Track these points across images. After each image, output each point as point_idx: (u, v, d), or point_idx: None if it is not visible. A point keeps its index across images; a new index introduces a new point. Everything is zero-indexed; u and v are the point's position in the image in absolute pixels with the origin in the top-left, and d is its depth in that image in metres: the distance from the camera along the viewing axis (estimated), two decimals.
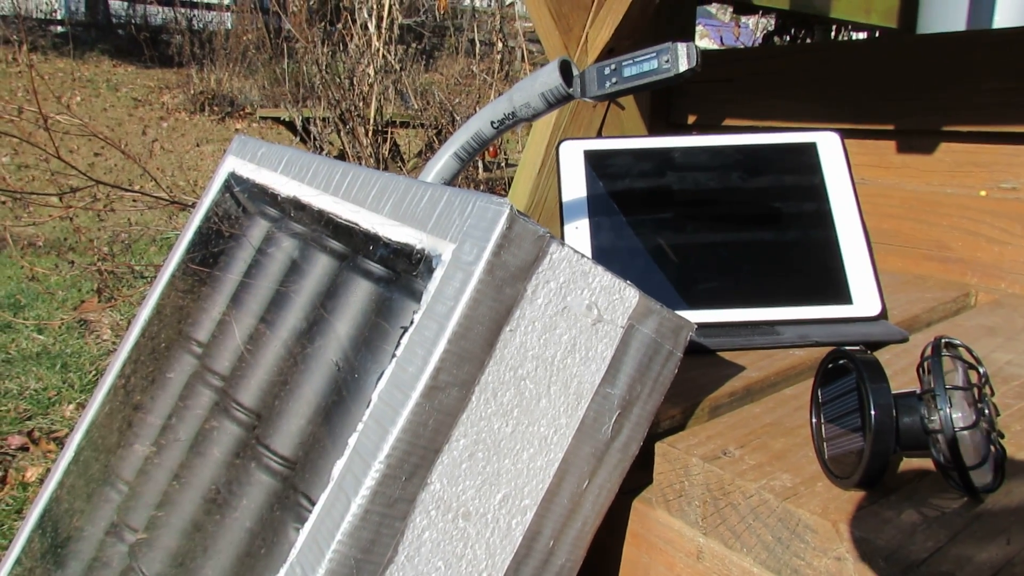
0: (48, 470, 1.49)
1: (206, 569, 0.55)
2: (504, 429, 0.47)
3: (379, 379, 0.47)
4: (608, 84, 0.61)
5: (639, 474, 0.57)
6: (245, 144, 0.90)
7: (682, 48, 0.58)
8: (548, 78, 0.64)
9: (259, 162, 0.83)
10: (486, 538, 0.48)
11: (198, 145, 5.57)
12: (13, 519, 1.35)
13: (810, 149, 0.80)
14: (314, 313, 0.63)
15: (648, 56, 0.60)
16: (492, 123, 0.67)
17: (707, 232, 0.78)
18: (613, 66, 0.62)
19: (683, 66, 0.58)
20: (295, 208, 0.72)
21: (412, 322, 0.47)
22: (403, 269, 0.53)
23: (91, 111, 5.96)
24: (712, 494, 0.51)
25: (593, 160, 0.84)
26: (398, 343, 0.47)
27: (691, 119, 1.26)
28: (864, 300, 0.74)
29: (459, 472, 0.46)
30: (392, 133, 2.94)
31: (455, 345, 0.44)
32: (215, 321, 0.76)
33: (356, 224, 0.60)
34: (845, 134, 0.83)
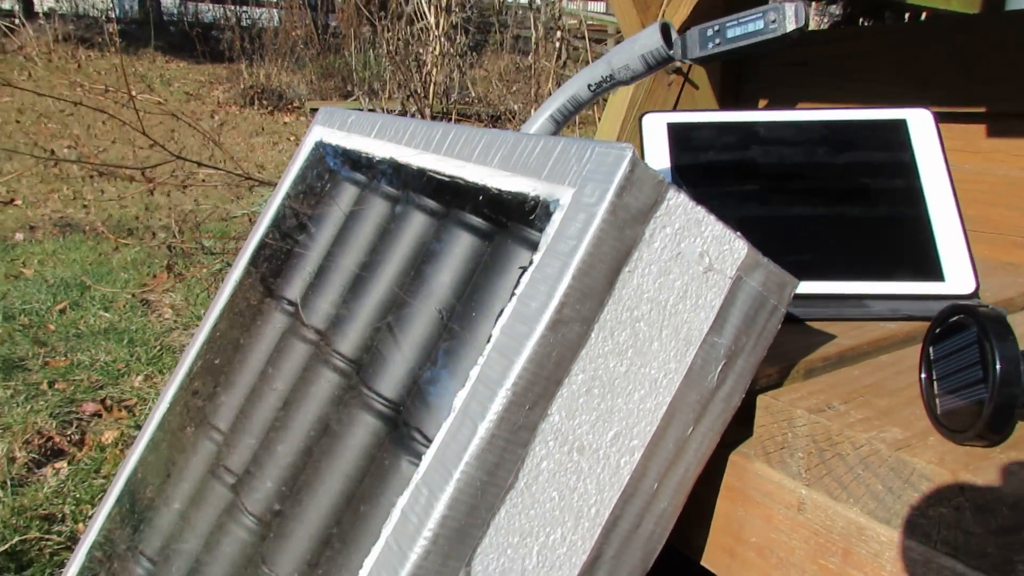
0: (122, 435, 1.54)
1: (315, 501, 0.57)
2: (619, 368, 0.48)
3: (499, 317, 0.48)
4: (711, 45, 0.62)
5: (736, 429, 0.58)
6: (332, 114, 0.92)
7: (789, 8, 0.59)
8: (649, 40, 0.65)
9: (349, 129, 0.85)
10: (597, 473, 0.49)
11: (251, 137, 5.66)
12: (93, 477, 1.39)
13: (900, 126, 0.80)
14: (414, 267, 0.64)
15: (753, 16, 0.60)
16: (589, 86, 0.68)
17: (793, 205, 0.79)
18: (716, 27, 0.63)
19: (791, 26, 0.58)
20: (391, 170, 0.73)
21: (532, 262, 0.48)
22: (514, 218, 0.54)
23: (145, 105, 6.09)
24: (818, 445, 0.52)
25: (677, 133, 0.85)
26: (517, 282, 0.48)
27: (761, 103, 1.26)
28: (957, 277, 0.74)
29: (576, 406, 0.47)
30: (452, 122, 2.96)
31: (579, 281, 0.45)
32: (306, 282, 0.78)
33: (461, 179, 0.61)
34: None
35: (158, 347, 2.05)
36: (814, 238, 0.77)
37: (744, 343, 0.53)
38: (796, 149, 0.81)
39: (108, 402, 1.69)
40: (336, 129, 0.89)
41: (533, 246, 0.51)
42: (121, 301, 2.41)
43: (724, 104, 1.26)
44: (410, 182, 0.70)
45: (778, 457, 0.55)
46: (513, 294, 0.48)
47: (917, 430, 0.50)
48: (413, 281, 0.62)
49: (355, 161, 0.81)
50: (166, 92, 6.54)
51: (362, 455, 0.57)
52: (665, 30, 0.65)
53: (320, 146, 0.91)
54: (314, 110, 5.43)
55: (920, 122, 0.81)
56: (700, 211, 0.50)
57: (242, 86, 6.50)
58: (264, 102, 6.42)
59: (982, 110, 0.99)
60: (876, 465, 0.48)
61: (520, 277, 0.49)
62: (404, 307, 0.61)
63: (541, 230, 0.50)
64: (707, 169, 0.83)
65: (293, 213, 0.88)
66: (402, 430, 0.53)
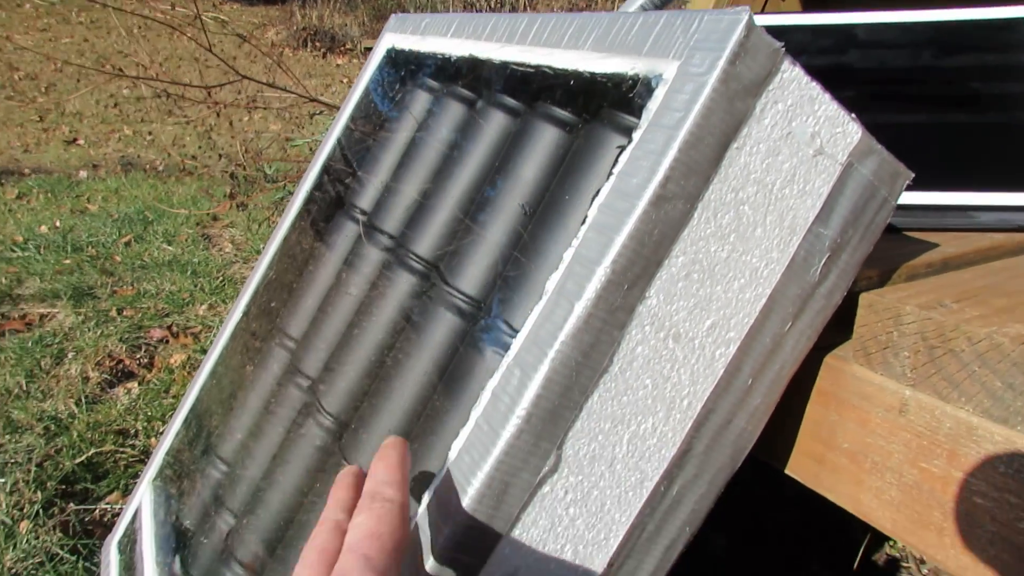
0: (189, 359, 1.57)
1: (393, 397, 0.56)
2: (720, 253, 0.46)
3: (594, 197, 0.46)
4: None
5: (832, 332, 0.55)
6: (404, 20, 0.90)
7: None
8: None
9: (424, 32, 0.83)
10: (691, 364, 0.47)
11: (303, 79, 5.67)
12: (163, 397, 1.42)
13: (1019, 25, 0.75)
14: (492, 167, 0.62)
15: None
16: None
17: (895, 112, 0.74)
18: None
19: None
20: (470, 68, 0.71)
21: (631, 140, 0.46)
22: (609, 102, 0.51)
23: (211, 26, 6.13)
24: (928, 343, 0.49)
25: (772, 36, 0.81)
26: (615, 161, 0.46)
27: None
28: None
29: (675, 290, 0.45)
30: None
31: (685, 155, 0.42)
32: (378, 189, 0.77)
33: (548, 67, 0.59)
34: None
35: (220, 279, 2.08)
36: (918, 147, 0.73)
37: (850, 236, 0.50)
38: (900, 52, 0.77)
39: (175, 328, 1.72)
40: (409, 34, 0.86)
41: (629, 132, 0.48)
42: (183, 235, 2.45)
43: (809, 7, 1.20)
44: (492, 79, 0.67)
45: (880, 358, 0.52)
46: (611, 174, 0.46)
47: None
48: (494, 179, 0.60)
49: (430, 64, 0.79)
50: (220, 34, 6.57)
51: (445, 350, 0.55)
52: None
53: (392, 52, 0.88)
54: (368, 49, 5.40)
55: None
56: (815, 88, 0.46)
57: (295, 28, 6.49)
58: (317, 44, 6.41)
59: None
60: (995, 361, 0.45)
61: (618, 157, 0.46)
62: (484, 206, 0.59)
63: (639, 113, 0.47)
64: (810, 73, 0.79)
65: (364, 122, 0.86)
66: (487, 322, 0.51)
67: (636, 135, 0.45)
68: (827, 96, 0.47)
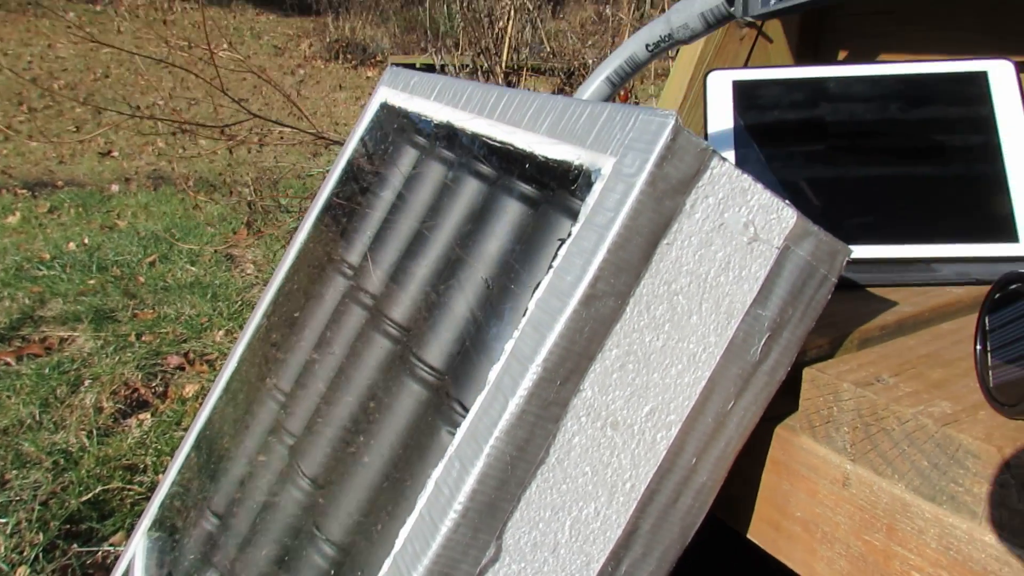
0: (202, 388, 1.61)
1: (363, 467, 0.59)
2: (655, 343, 0.48)
3: (535, 289, 0.48)
4: (773, 1, 0.60)
5: (783, 401, 0.57)
6: (397, 75, 0.93)
7: None
8: None
9: (412, 91, 0.85)
10: (632, 449, 0.49)
11: (332, 92, 5.74)
12: (174, 430, 1.47)
13: (980, 78, 0.75)
14: (465, 234, 0.64)
15: None
16: (647, 46, 0.66)
17: (861, 165, 0.76)
18: None
19: None
20: (448, 134, 0.73)
21: (570, 234, 0.48)
22: (559, 187, 0.54)
23: (226, 63, 6.24)
24: (863, 419, 0.50)
25: (742, 91, 0.82)
26: (555, 254, 0.48)
27: (842, 55, 1.21)
28: None
29: (610, 381, 0.47)
30: (524, 79, 2.95)
31: (614, 255, 0.44)
32: (366, 245, 0.80)
33: (511, 145, 0.61)
34: (1021, 68, 0.77)
35: (239, 302, 2.13)
36: (882, 199, 0.74)
37: (790, 315, 0.52)
38: (867, 105, 0.78)
39: (191, 355, 1.77)
40: (400, 90, 0.89)
41: (575, 216, 0.50)
42: (207, 255, 2.51)
43: (801, 58, 1.21)
44: (465, 147, 0.70)
45: (823, 431, 0.53)
46: (551, 266, 0.48)
47: (967, 404, 0.48)
48: (464, 249, 0.63)
49: (416, 124, 0.82)
50: (256, 45, 6.67)
51: (407, 424, 0.58)
52: None
53: (384, 108, 0.91)
54: (396, 64, 5.47)
55: (1002, 74, 0.76)
56: (746, 179, 0.48)
57: (328, 40, 6.59)
58: (349, 56, 6.49)
59: None
60: (922, 440, 0.47)
61: (558, 249, 0.48)
62: (453, 277, 0.62)
63: (583, 200, 0.49)
64: (773, 128, 0.80)
65: (356, 176, 0.89)
66: (444, 400, 0.54)
67: (575, 229, 0.48)
68: (759, 186, 0.48)
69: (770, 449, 0.58)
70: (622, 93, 2.61)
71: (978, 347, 0.49)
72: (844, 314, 0.62)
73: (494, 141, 0.64)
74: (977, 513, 0.45)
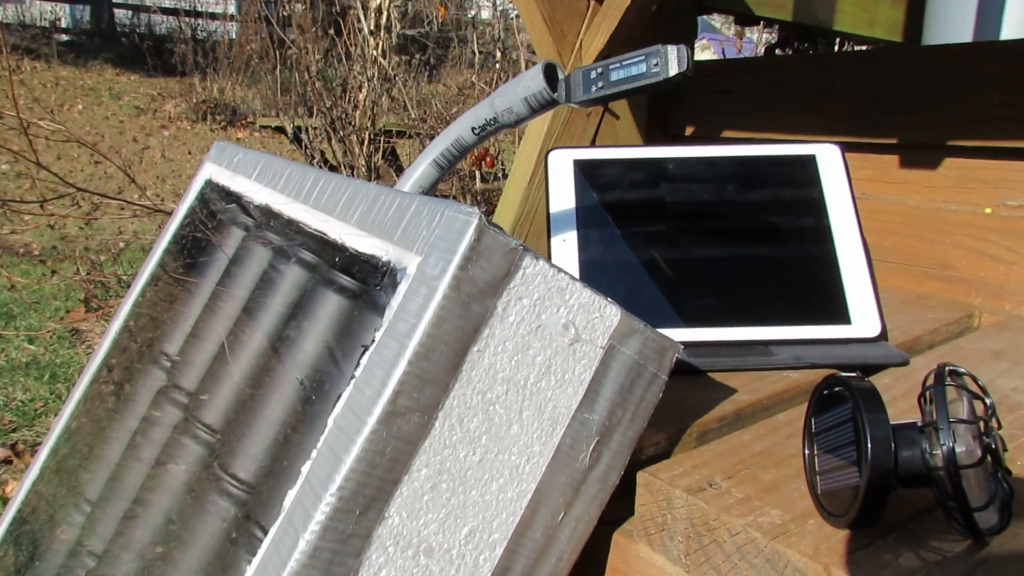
0: None
1: None
2: (471, 458, 0.43)
3: (336, 402, 0.44)
4: (594, 88, 0.58)
5: (621, 504, 0.54)
6: (223, 150, 0.87)
7: (672, 51, 0.55)
8: (531, 82, 0.61)
9: (235, 169, 0.80)
10: (451, 575, 0.44)
11: (201, 153, 5.55)
12: None
13: (809, 162, 0.77)
14: (282, 328, 0.59)
15: (636, 59, 0.56)
16: (473, 129, 0.64)
17: (700, 247, 0.75)
18: (600, 70, 0.59)
19: (673, 70, 0.55)
20: (268, 216, 0.68)
21: (373, 340, 0.43)
22: (370, 282, 0.49)
23: (92, 119, 5.96)
24: (696, 529, 0.48)
25: (583, 170, 0.81)
26: (358, 363, 0.44)
27: (689, 130, 1.23)
28: (863, 320, 0.70)
29: (420, 505, 0.42)
30: (392, 143, 2.92)
31: (416, 367, 0.40)
32: (185, 334, 0.73)
33: (324, 234, 0.57)
34: (847, 147, 0.79)
35: None
36: (720, 280, 0.73)
37: (620, 417, 0.49)
38: (704, 187, 0.78)
39: (20, 447, 1.60)
40: (224, 167, 0.83)
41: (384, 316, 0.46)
42: (49, 331, 2.32)
43: (652, 132, 1.22)
44: (283, 232, 0.65)
45: (659, 539, 0.50)
46: (352, 376, 0.43)
47: (798, 511, 0.46)
48: (279, 346, 0.57)
49: (240, 203, 0.76)
50: (115, 106, 6.39)
51: (210, 547, 0.51)
52: (550, 71, 0.61)
53: (208, 185, 0.85)
54: (264, 127, 5.35)
55: (829, 158, 0.77)
56: (563, 278, 0.45)
57: (195, 100, 6.39)
58: (217, 117, 6.31)
59: (895, 141, 0.96)
60: (752, 555, 0.44)
61: (360, 357, 0.44)
62: (267, 376, 0.56)
63: (389, 302, 0.45)
64: (613, 208, 0.79)
65: (179, 255, 0.82)
66: (246, 522, 0.48)
67: (377, 336, 0.43)
68: (578, 284, 0.46)
69: (609, 556, 0.54)
70: (488, 160, 2.61)
71: (806, 451, 0.47)
72: (683, 404, 0.60)
73: (309, 228, 0.60)
74: None
